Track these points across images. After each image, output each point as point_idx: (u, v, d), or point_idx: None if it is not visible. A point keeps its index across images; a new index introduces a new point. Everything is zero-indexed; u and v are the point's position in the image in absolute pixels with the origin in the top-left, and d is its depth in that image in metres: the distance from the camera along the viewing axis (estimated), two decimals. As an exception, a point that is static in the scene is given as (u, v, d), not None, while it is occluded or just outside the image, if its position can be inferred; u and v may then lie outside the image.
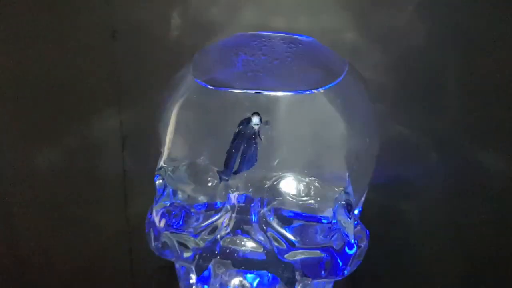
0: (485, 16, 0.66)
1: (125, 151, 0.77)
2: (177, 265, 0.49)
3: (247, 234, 0.41)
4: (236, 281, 0.41)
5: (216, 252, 0.42)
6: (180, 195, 0.46)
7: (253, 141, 0.39)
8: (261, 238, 0.41)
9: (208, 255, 0.42)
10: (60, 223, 0.82)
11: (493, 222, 0.76)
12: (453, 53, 0.69)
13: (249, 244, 0.41)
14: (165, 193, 0.45)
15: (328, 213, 0.44)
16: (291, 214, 0.44)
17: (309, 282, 0.45)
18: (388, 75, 0.70)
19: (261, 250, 0.41)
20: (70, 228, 0.82)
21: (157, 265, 0.75)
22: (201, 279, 0.42)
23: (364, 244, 0.47)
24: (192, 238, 0.43)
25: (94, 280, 0.84)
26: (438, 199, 0.76)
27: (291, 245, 0.43)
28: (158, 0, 0.69)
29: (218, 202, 0.44)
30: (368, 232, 0.48)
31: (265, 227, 0.42)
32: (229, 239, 0.41)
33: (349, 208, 0.43)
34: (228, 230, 0.41)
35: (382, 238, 0.77)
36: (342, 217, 0.44)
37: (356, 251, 0.45)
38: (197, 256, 0.43)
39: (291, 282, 0.42)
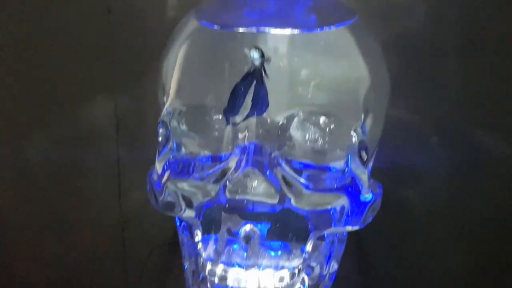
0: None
1: (120, 136, 0.75)
2: (180, 229, 0.47)
3: (257, 175, 0.39)
4: (246, 227, 0.39)
5: (223, 204, 0.40)
6: (183, 149, 0.44)
7: (261, 81, 0.37)
8: (273, 181, 0.39)
9: (215, 206, 0.40)
10: (51, 215, 0.80)
11: (496, 206, 0.74)
12: (455, 32, 0.68)
13: (260, 187, 0.38)
14: (167, 146, 0.43)
15: (341, 162, 0.42)
16: (301, 166, 0.42)
17: (324, 234, 0.43)
18: (387, 55, 0.69)
19: (273, 192, 0.39)
20: (61, 220, 0.80)
21: (152, 259, 0.73)
22: (207, 235, 0.41)
23: (379, 194, 0.45)
24: (199, 185, 0.41)
25: (87, 273, 0.82)
26: (440, 184, 0.75)
27: (303, 189, 0.40)
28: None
29: (223, 155, 0.42)
30: (381, 185, 0.46)
31: (276, 170, 0.40)
32: (238, 185, 0.38)
33: (363, 153, 0.41)
34: (237, 173, 0.39)
35: (383, 224, 0.75)
36: (356, 165, 0.42)
37: (372, 200, 0.43)
38: (203, 209, 0.41)
39: (304, 234, 0.40)
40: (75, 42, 0.70)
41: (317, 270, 0.46)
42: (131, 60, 0.70)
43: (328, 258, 0.47)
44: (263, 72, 0.37)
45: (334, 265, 0.48)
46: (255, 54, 0.37)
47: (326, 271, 0.47)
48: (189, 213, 0.42)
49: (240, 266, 0.40)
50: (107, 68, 0.71)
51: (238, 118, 0.39)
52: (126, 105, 0.73)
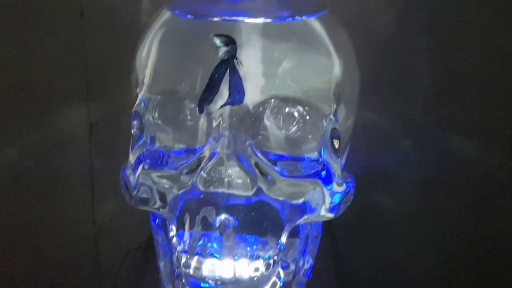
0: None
1: (93, 142, 0.74)
2: (154, 229, 0.46)
3: (232, 163, 0.39)
4: (221, 217, 0.39)
5: (198, 195, 0.39)
6: (157, 143, 0.43)
7: (234, 69, 0.37)
8: (248, 169, 0.39)
9: (190, 199, 0.40)
10: (22, 225, 0.77)
11: (466, 207, 0.76)
12: (423, 36, 0.69)
13: (235, 175, 0.38)
14: (141, 139, 0.43)
15: (315, 153, 0.42)
16: (276, 157, 0.42)
17: (298, 228, 0.43)
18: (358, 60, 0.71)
19: (248, 183, 0.39)
20: (32, 230, 0.78)
21: (125, 267, 0.72)
22: (182, 230, 0.40)
23: (352, 185, 0.45)
24: (173, 175, 0.41)
25: (59, 285, 0.80)
26: (412, 187, 0.76)
27: (277, 177, 0.41)
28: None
29: (197, 148, 0.42)
30: (353, 177, 0.46)
31: (251, 158, 0.40)
32: (212, 173, 0.38)
33: (336, 141, 0.42)
34: (212, 161, 0.39)
35: (358, 229, 0.76)
36: (329, 155, 0.42)
37: (345, 190, 0.44)
38: (178, 202, 0.40)
39: (278, 224, 0.40)
40: (48, 46, 0.69)
41: (292, 266, 0.46)
42: (105, 64, 0.70)
43: (303, 254, 0.47)
44: (235, 60, 0.37)
45: (309, 261, 0.48)
46: (217, 42, 0.37)
47: (301, 266, 0.47)
48: (163, 207, 0.42)
49: (215, 256, 0.40)
50: (80, 72, 0.70)
51: (212, 107, 0.39)
52: (100, 110, 0.73)
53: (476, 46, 0.69)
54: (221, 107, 0.39)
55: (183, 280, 0.42)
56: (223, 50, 0.37)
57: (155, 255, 0.49)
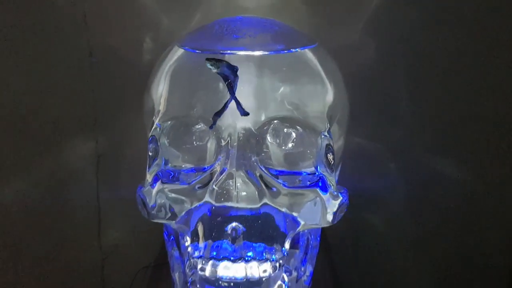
0: (430, 27, 0.73)
1: (99, 173, 0.78)
2: (168, 243, 0.51)
3: (241, 176, 0.44)
4: (232, 225, 0.44)
5: (211, 207, 0.44)
6: (170, 164, 0.49)
7: (230, 91, 0.43)
8: (254, 181, 0.45)
9: (203, 211, 0.45)
10: (29, 257, 0.80)
11: (450, 223, 0.81)
12: (403, 66, 0.75)
13: (244, 188, 0.44)
14: (156, 160, 0.48)
15: (312, 168, 0.48)
16: (277, 172, 0.48)
17: (299, 237, 0.48)
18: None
19: (256, 197, 0.44)
20: (40, 261, 0.81)
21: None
22: (196, 238, 0.45)
23: (346, 196, 0.50)
24: (187, 190, 0.46)
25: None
26: (399, 206, 0.81)
27: (281, 187, 0.46)
28: (131, 25, 0.73)
29: (206, 167, 0.47)
30: (346, 190, 0.52)
31: (257, 172, 0.46)
32: (224, 186, 0.44)
33: (330, 156, 0.47)
34: (223, 175, 0.44)
35: (352, 244, 0.81)
36: (324, 169, 0.48)
37: (341, 200, 0.49)
38: (191, 215, 0.45)
39: (282, 232, 0.45)
40: (58, 83, 0.74)
41: (294, 273, 0.50)
42: (111, 100, 0.75)
43: (304, 262, 0.52)
44: (230, 84, 0.43)
45: (309, 269, 0.53)
46: (208, 64, 0.43)
47: (303, 273, 0.52)
48: (178, 219, 0.47)
49: (228, 259, 0.44)
50: (88, 108, 0.75)
51: (220, 127, 0.45)
52: (106, 143, 0.77)
53: (452, 74, 0.75)
54: (219, 113, 0.44)
55: (197, 286, 0.46)
56: (214, 71, 0.43)
57: (162, 273, 0.53)
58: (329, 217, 0.48)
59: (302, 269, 0.51)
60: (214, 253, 0.44)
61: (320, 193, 0.47)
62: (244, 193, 0.44)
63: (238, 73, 0.44)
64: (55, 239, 0.80)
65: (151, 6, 0.73)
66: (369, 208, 0.80)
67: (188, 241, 0.46)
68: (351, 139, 0.66)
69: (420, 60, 0.75)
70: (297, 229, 0.47)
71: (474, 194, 0.80)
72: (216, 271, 0.44)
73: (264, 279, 0.45)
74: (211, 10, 0.73)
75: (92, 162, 0.78)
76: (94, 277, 0.82)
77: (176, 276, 0.50)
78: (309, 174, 0.48)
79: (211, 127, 0.45)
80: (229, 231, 0.44)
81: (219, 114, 0.44)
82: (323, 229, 0.57)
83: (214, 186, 0.44)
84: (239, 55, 0.47)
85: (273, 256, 0.45)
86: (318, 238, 0.54)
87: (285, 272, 0.49)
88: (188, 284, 0.48)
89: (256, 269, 0.44)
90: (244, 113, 0.44)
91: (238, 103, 0.43)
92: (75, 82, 0.74)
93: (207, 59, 0.43)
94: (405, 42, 0.74)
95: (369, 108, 0.76)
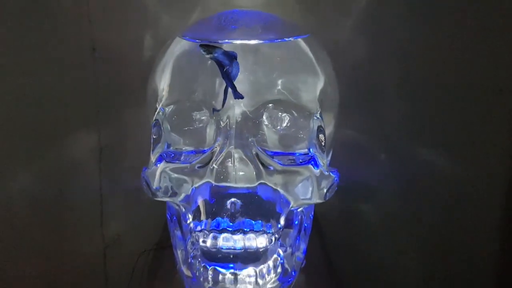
0: (417, 24, 0.77)
1: (102, 164, 0.81)
2: (171, 224, 0.55)
3: (240, 154, 0.48)
4: (231, 199, 0.48)
5: (211, 187, 0.48)
6: (172, 147, 0.53)
7: (224, 77, 0.47)
8: (251, 159, 0.48)
9: (203, 189, 0.49)
10: (33, 246, 0.84)
11: (439, 214, 0.84)
12: (390, 60, 0.79)
13: (242, 169, 0.47)
14: (159, 143, 0.52)
15: (305, 149, 0.52)
16: (272, 153, 0.51)
17: (293, 211, 0.52)
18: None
19: (253, 176, 0.48)
20: (43, 250, 0.84)
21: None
22: (197, 214, 0.49)
23: (336, 176, 0.54)
24: (188, 169, 0.50)
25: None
26: (389, 195, 0.84)
27: (276, 165, 0.50)
28: (133, 22, 0.77)
29: (205, 149, 0.51)
30: (337, 170, 0.55)
31: (253, 151, 0.49)
32: (223, 165, 0.47)
33: (321, 136, 0.51)
34: (223, 153, 0.48)
35: (344, 230, 0.84)
36: (316, 149, 0.52)
37: (333, 179, 0.53)
38: (192, 192, 0.49)
39: (278, 207, 0.49)
40: (62, 77, 0.77)
41: (289, 249, 0.54)
42: (114, 93, 0.79)
43: (297, 239, 0.55)
44: (226, 70, 0.46)
45: (302, 246, 0.56)
46: (201, 50, 0.46)
47: (296, 250, 0.55)
48: (180, 197, 0.50)
49: (228, 230, 0.48)
50: (91, 100, 0.78)
51: (218, 106, 0.49)
52: (108, 135, 0.80)
53: (439, 68, 0.79)
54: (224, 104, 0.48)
55: (199, 260, 0.50)
56: (207, 56, 0.46)
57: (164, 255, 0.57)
58: (321, 194, 0.52)
59: (296, 246, 0.55)
60: (215, 226, 0.48)
61: (313, 169, 0.51)
62: (242, 173, 0.48)
63: (234, 55, 0.47)
64: (59, 228, 0.84)
65: (152, 5, 0.76)
66: (360, 196, 0.84)
67: (190, 218, 0.50)
68: (343, 131, 0.69)
69: (408, 56, 0.79)
70: (291, 205, 0.51)
71: (460, 183, 0.83)
72: (216, 243, 0.47)
73: (261, 250, 0.49)
74: (208, 8, 0.76)
75: (95, 154, 0.81)
76: (97, 265, 0.85)
77: (179, 253, 0.54)
78: (302, 154, 0.52)
79: (213, 113, 0.48)
80: (228, 206, 0.47)
81: (223, 104, 0.47)
82: (316, 215, 0.60)
83: (214, 165, 0.48)
84: (236, 44, 0.50)
85: (269, 230, 0.49)
86: (311, 218, 0.57)
87: (281, 247, 0.52)
88: (190, 259, 0.51)
89: (254, 241, 0.48)
90: (237, 97, 0.47)
91: (233, 88, 0.47)
92: (79, 77, 0.78)
93: (200, 45, 0.46)
94: (394, 39, 0.78)
95: (360, 102, 0.79)
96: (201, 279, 0.49)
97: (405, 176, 0.84)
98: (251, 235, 0.48)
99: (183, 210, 0.52)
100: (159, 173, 0.51)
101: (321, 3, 0.77)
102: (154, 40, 0.78)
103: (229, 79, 0.47)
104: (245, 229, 0.48)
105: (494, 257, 0.86)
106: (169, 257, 0.63)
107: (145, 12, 0.76)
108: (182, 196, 0.50)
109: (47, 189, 0.82)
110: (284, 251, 0.53)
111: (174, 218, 0.55)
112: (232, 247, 0.48)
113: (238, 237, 0.48)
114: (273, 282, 0.50)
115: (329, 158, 0.58)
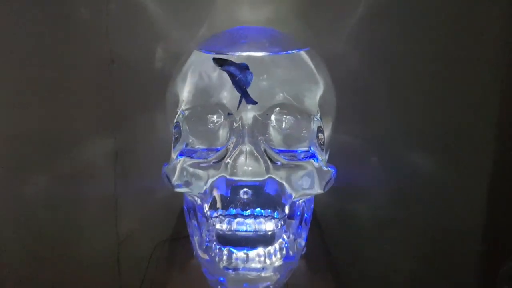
0: (406, 37, 0.85)
1: (117, 167, 0.88)
2: (187, 215, 0.62)
3: (251, 151, 0.55)
4: (243, 189, 0.55)
5: (225, 180, 0.55)
6: (190, 146, 0.60)
7: (235, 83, 0.55)
8: (261, 154, 0.56)
9: (218, 181, 0.56)
10: (48, 247, 0.91)
11: (427, 214, 0.91)
12: (381, 70, 0.86)
13: (253, 164, 0.55)
14: (178, 143, 0.60)
15: (306, 147, 0.59)
16: (277, 150, 0.58)
17: (296, 202, 0.59)
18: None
19: (263, 170, 0.55)
20: (59, 251, 0.91)
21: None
22: (213, 203, 0.56)
23: (334, 171, 0.62)
24: (204, 163, 0.57)
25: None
26: (381, 195, 0.91)
27: (282, 160, 0.57)
28: (146, 37, 0.84)
29: (218, 148, 0.58)
30: (334, 166, 0.63)
31: (262, 147, 0.57)
32: (237, 159, 0.55)
33: (321, 135, 0.59)
34: (236, 150, 0.55)
35: (340, 228, 0.91)
36: (316, 148, 0.59)
37: (332, 173, 0.60)
38: (208, 184, 0.57)
39: (283, 196, 0.56)
40: (82, 87, 0.85)
41: (292, 236, 0.61)
42: (129, 101, 0.86)
43: (299, 228, 0.62)
44: (237, 81, 0.54)
45: (303, 234, 0.63)
46: (213, 63, 0.54)
47: (299, 237, 0.62)
48: (199, 190, 0.58)
49: (241, 214, 0.55)
50: (108, 107, 0.86)
51: (231, 109, 0.57)
52: (123, 140, 0.87)
53: (426, 77, 0.86)
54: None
55: (214, 243, 0.57)
56: (219, 68, 0.54)
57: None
58: (322, 185, 0.59)
59: (298, 233, 0.62)
60: (229, 213, 0.55)
61: (314, 163, 0.58)
62: (253, 167, 0.55)
63: (245, 66, 0.54)
64: (76, 226, 0.90)
65: (163, 21, 0.84)
66: (354, 196, 0.91)
67: (206, 207, 0.57)
68: (338, 136, 0.76)
69: (398, 66, 0.86)
70: (294, 196, 0.58)
71: (446, 183, 0.90)
72: (231, 226, 0.55)
73: (269, 233, 0.56)
74: (215, 24, 0.84)
75: (110, 157, 0.88)
76: (111, 260, 0.92)
77: (195, 239, 0.61)
78: (304, 151, 0.59)
79: (227, 115, 0.56)
80: (240, 196, 0.55)
81: (238, 107, 0.55)
82: (315, 213, 0.67)
83: (228, 159, 0.55)
84: (246, 56, 0.58)
85: (277, 216, 0.56)
86: (311, 210, 0.65)
87: (285, 233, 0.59)
88: (206, 243, 0.58)
89: (264, 224, 0.55)
90: (251, 102, 0.55)
91: (245, 95, 0.54)
92: (97, 86, 0.85)
93: (213, 59, 0.55)
94: (385, 50, 0.85)
95: (353, 109, 0.86)
96: (217, 259, 0.56)
97: (394, 176, 0.90)
98: (261, 220, 0.55)
99: (199, 202, 0.59)
100: (179, 168, 0.58)
101: (318, 19, 0.85)
102: (165, 52, 0.85)
103: (240, 88, 0.54)
104: (256, 214, 0.55)
105: (478, 255, 0.93)
106: (182, 247, 0.71)
107: (157, 27, 0.84)
108: (200, 187, 0.57)
109: (66, 189, 0.88)
110: (288, 237, 0.60)
111: (191, 209, 0.62)
112: (245, 230, 0.54)
113: (250, 221, 0.55)
114: (279, 262, 0.57)
115: (327, 156, 0.65)
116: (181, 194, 0.66)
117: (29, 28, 0.82)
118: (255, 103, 0.55)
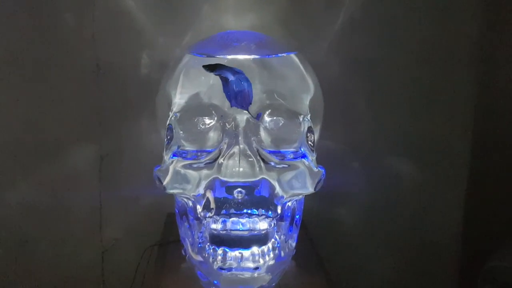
0: (382, 47, 0.88)
1: (102, 173, 0.88)
2: (178, 217, 0.63)
3: (245, 151, 0.56)
4: (237, 189, 0.56)
5: (219, 181, 0.56)
6: (182, 147, 0.60)
7: (225, 85, 0.56)
8: (253, 155, 0.56)
9: (212, 182, 0.57)
10: (35, 252, 0.89)
11: (407, 218, 0.95)
12: (361, 78, 0.89)
13: (246, 165, 0.55)
14: (172, 143, 0.60)
15: (296, 148, 0.61)
16: (268, 151, 0.59)
17: (288, 201, 0.60)
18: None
19: (256, 171, 0.56)
20: (47, 249, 0.90)
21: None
22: (207, 206, 0.57)
23: (323, 171, 0.63)
24: (197, 165, 0.58)
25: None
26: (363, 199, 0.94)
27: (274, 160, 0.59)
28: (132, 43, 0.85)
29: (210, 149, 0.59)
30: (323, 167, 0.64)
31: (254, 147, 0.57)
32: (229, 161, 0.55)
33: (311, 136, 0.60)
34: (230, 150, 0.56)
35: (322, 240, 0.92)
36: (306, 148, 0.61)
37: (322, 174, 0.62)
38: (201, 186, 0.57)
39: (275, 197, 0.58)
40: (67, 92, 0.85)
41: (283, 236, 0.62)
42: (114, 106, 0.86)
43: (290, 229, 0.64)
44: (224, 84, 0.56)
45: (294, 235, 0.64)
46: (205, 69, 0.55)
47: (289, 238, 0.63)
48: (191, 191, 0.58)
49: (235, 213, 0.56)
50: (93, 113, 0.86)
51: (223, 111, 0.58)
52: (109, 145, 0.87)
53: (405, 85, 0.90)
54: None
55: (207, 244, 0.58)
56: (211, 74, 0.55)
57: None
58: (313, 184, 0.60)
59: (289, 235, 0.63)
60: (223, 213, 0.56)
61: (305, 162, 0.60)
62: (246, 169, 0.56)
63: (238, 71, 0.55)
64: (60, 233, 0.89)
65: (149, 28, 0.85)
66: (336, 200, 0.93)
67: (199, 208, 0.58)
68: (322, 142, 0.78)
69: (376, 74, 0.89)
70: (287, 196, 0.59)
71: (425, 187, 0.94)
72: (225, 226, 0.56)
73: (263, 232, 0.57)
74: (200, 31, 0.85)
75: (95, 163, 0.88)
76: (95, 268, 0.91)
77: (187, 241, 0.61)
78: (294, 151, 0.61)
79: (220, 117, 0.57)
80: (234, 195, 0.56)
81: (231, 105, 0.56)
82: (303, 219, 0.68)
83: (222, 160, 0.56)
84: (237, 59, 0.59)
85: (270, 215, 0.57)
86: (301, 211, 0.66)
87: (277, 233, 0.61)
88: (198, 245, 0.59)
89: (258, 224, 0.56)
90: (233, 105, 0.56)
91: (231, 99, 0.56)
92: (83, 91, 0.85)
93: (203, 66, 0.56)
94: (364, 59, 0.88)
95: (335, 116, 0.87)
96: (211, 259, 0.57)
97: (376, 181, 0.93)
98: (255, 219, 0.56)
99: (190, 204, 0.60)
100: (172, 169, 0.59)
101: (300, 27, 0.87)
102: (150, 59, 0.86)
103: (230, 92, 0.56)
104: (250, 212, 0.56)
105: (457, 253, 0.97)
106: (170, 253, 0.71)
107: (143, 34, 0.85)
108: (193, 188, 0.58)
109: (50, 195, 0.88)
110: (280, 237, 0.61)
111: (182, 212, 0.62)
112: (239, 229, 0.56)
113: (244, 220, 0.56)
114: (271, 261, 0.58)
115: (315, 159, 0.66)
116: (167, 200, 0.67)
117: (14, 35, 0.82)
118: (239, 107, 0.56)
